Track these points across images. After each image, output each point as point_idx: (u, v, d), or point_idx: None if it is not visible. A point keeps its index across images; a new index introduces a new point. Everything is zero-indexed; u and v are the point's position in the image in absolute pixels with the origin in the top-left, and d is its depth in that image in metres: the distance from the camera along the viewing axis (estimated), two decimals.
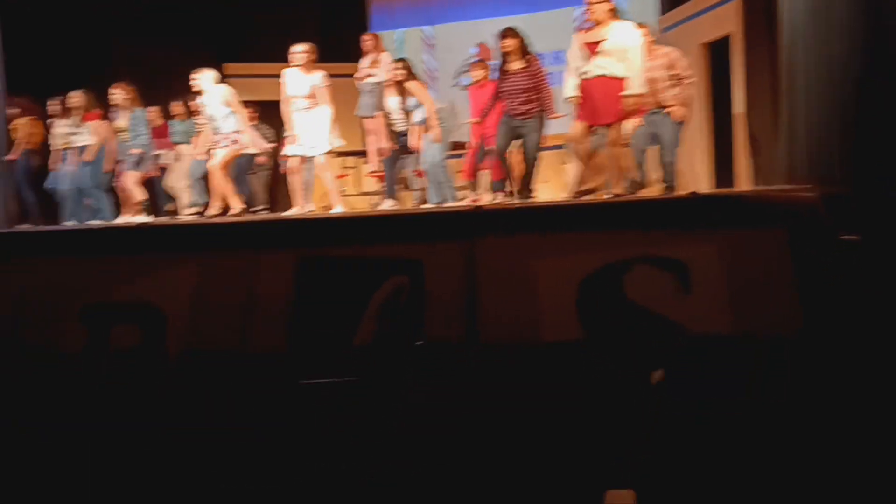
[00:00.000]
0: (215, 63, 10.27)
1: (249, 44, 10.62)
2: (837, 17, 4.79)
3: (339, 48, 10.21)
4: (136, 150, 7.15)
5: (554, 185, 8.53)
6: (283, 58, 6.74)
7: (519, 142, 6.15)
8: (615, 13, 5.54)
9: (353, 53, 8.00)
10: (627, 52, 5.39)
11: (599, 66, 5.45)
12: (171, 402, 3.67)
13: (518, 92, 5.89)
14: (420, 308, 4.12)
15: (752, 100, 7.51)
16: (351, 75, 7.86)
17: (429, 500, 3.20)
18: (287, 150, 6.66)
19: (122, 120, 7.16)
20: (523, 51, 5.91)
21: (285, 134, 6.69)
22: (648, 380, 3.14)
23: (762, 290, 3.88)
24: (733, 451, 3.01)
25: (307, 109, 6.50)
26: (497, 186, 6.56)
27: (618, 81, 5.42)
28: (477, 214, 4.86)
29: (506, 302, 4.15)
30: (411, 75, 6.74)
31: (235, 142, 6.73)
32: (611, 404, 3.39)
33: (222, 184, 6.83)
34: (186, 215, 7.63)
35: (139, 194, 7.36)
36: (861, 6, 4.57)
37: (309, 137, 6.50)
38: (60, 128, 7.47)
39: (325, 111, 6.49)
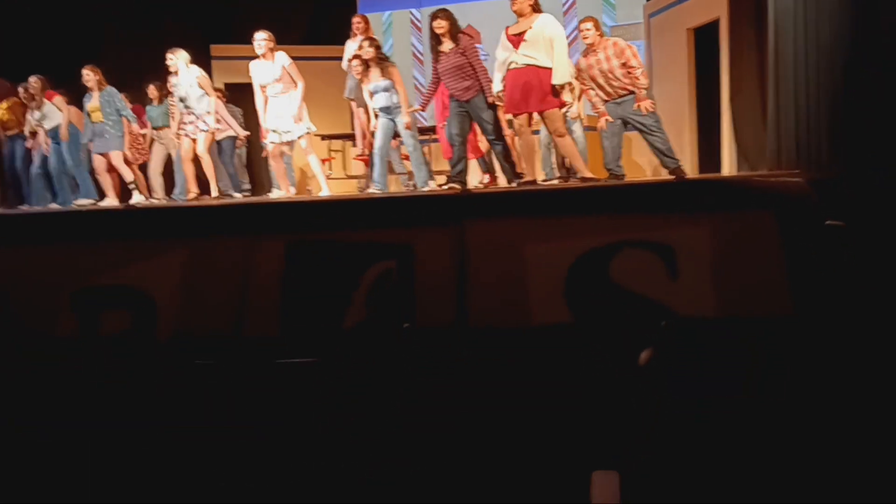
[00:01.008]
0: (203, 43, 10.23)
1: (238, 25, 10.52)
2: (826, 3, 4.82)
3: (329, 30, 10.17)
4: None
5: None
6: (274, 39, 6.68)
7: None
8: (538, 6, 5.76)
9: (342, 36, 7.95)
10: (553, 42, 5.62)
11: (525, 56, 5.64)
12: (161, 386, 3.66)
13: (452, 70, 5.91)
14: (410, 292, 4.14)
15: (739, 85, 7.52)
16: (340, 58, 7.83)
17: (420, 490, 3.22)
18: (266, 138, 6.66)
19: (94, 100, 7.07)
20: (453, 32, 5.95)
21: (262, 124, 6.69)
22: (636, 361, 3.17)
23: (750, 272, 3.92)
24: (724, 438, 3.04)
25: (281, 94, 6.51)
26: (481, 164, 6.59)
27: (545, 71, 5.63)
28: (466, 198, 4.88)
29: (495, 286, 4.17)
30: (382, 56, 6.65)
31: (219, 122, 6.82)
32: (599, 387, 3.42)
33: (209, 168, 6.86)
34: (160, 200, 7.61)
35: (128, 174, 7.33)
36: None
37: (284, 123, 6.51)
38: (31, 113, 7.44)
39: (297, 93, 6.49)
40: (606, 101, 6.03)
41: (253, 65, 6.58)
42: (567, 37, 10.09)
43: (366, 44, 6.63)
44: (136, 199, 7.26)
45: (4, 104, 7.81)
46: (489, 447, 3.43)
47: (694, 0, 8.38)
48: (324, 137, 8.60)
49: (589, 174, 6.02)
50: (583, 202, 4.47)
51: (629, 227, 4.12)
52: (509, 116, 6.46)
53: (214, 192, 7.04)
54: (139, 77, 8.11)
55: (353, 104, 7.70)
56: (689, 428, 2.98)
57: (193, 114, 6.76)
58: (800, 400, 3.07)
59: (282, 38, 6.74)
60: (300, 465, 3.26)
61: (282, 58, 6.48)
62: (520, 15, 5.72)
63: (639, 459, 2.98)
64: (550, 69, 5.63)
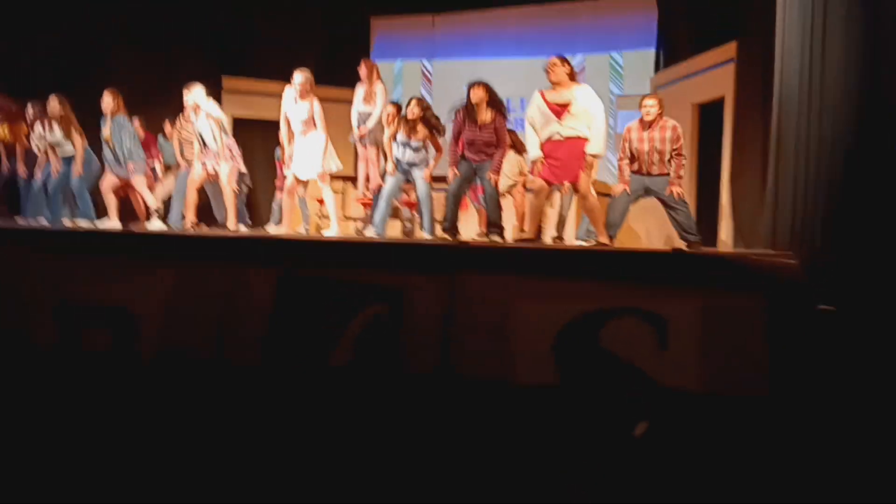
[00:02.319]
0: (215, 75, 10.36)
1: (251, 59, 10.67)
2: (830, 94, 4.91)
3: (339, 72, 10.30)
4: (132, 163, 7.13)
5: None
6: (284, 76, 6.80)
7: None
8: (574, 75, 5.86)
9: (352, 78, 8.06)
10: (594, 118, 5.70)
11: (570, 129, 5.71)
12: (139, 403, 3.62)
13: (481, 145, 6.20)
14: (397, 337, 4.12)
15: (740, 163, 7.64)
16: (348, 100, 7.92)
17: None
18: (286, 170, 6.78)
19: (106, 127, 7.09)
20: (490, 103, 6.16)
21: (279, 156, 6.78)
22: (630, 431, 3.15)
23: (734, 351, 3.92)
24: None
25: (303, 133, 6.64)
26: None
27: (582, 140, 5.71)
28: (461, 250, 4.88)
29: (483, 339, 4.15)
30: (430, 117, 6.70)
31: (233, 156, 6.96)
32: (583, 452, 3.39)
33: (230, 200, 7.04)
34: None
35: (152, 199, 7.39)
36: (854, 85, 4.69)
37: (305, 160, 6.62)
38: (39, 131, 7.38)
39: (321, 136, 6.63)
40: (635, 173, 6.13)
41: (288, 99, 6.71)
42: None
43: (413, 102, 6.68)
44: (157, 225, 7.25)
45: (6, 125, 7.83)
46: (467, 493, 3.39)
47: (701, 77, 8.55)
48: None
49: (605, 239, 6.02)
50: (577, 265, 4.47)
51: (622, 294, 4.12)
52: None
53: (232, 225, 7.08)
54: (149, 102, 8.18)
55: (359, 147, 7.79)
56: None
57: (210, 148, 6.92)
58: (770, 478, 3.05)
59: (291, 77, 6.82)
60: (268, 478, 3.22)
61: (317, 105, 6.65)
62: (557, 84, 5.78)
63: None
64: (588, 139, 5.71)
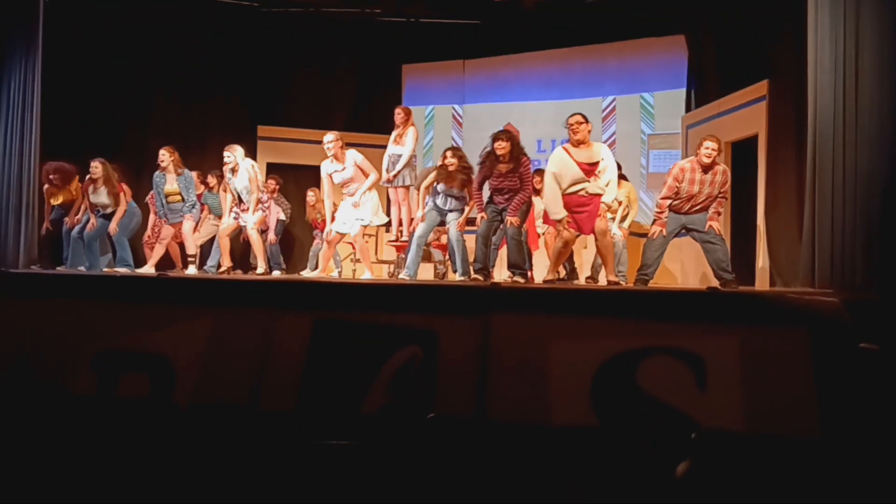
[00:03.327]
0: (249, 122, 10.60)
1: (286, 107, 10.88)
2: (866, 128, 4.86)
3: (372, 119, 10.47)
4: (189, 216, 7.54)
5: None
6: (318, 124, 6.97)
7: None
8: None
9: (384, 125, 8.19)
10: (612, 173, 6.15)
11: (598, 188, 6.07)
12: (178, 453, 3.63)
13: (505, 191, 6.42)
14: (432, 380, 4.09)
15: (775, 201, 7.56)
16: (380, 145, 8.03)
17: None
18: (332, 225, 7.09)
19: (171, 183, 7.44)
20: (514, 154, 6.33)
21: (311, 199, 7.09)
22: (672, 472, 3.07)
23: (779, 389, 3.83)
24: None
25: (347, 191, 6.94)
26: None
27: (601, 195, 6.12)
28: (494, 291, 4.87)
29: (518, 381, 4.11)
30: (465, 169, 6.80)
31: (262, 208, 7.43)
32: (622, 494, 3.32)
33: (258, 247, 7.42)
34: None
35: (192, 246, 7.65)
36: (890, 118, 4.64)
37: (351, 216, 6.91)
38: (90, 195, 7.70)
39: (373, 192, 6.96)
40: (672, 210, 6.12)
41: (325, 165, 6.99)
42: (605, 141, 10.35)
43: (449, 153, 6.80)
44: (192, 271, 7.47)
45: (73, 187, 8.13)
46: None
47: (733, 115, 8.52)
48: None
49: (614, 277, 6.12)
50: (612, 305, 4.43)
51: (658, 332, 4.06)
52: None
53: (261, 269, 7.43)
54: (188, 153, 8.42)
55: (391, 191, 7.86)
56: None
57: (245, 202, 7.32)
58: None
59: (324, 124, 7.01)
60: None
61: (353, 155, 6.88)
62: (582, 143, 6.06)
63: None
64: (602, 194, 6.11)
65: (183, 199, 7.45)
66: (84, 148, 8.18)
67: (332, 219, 7.07)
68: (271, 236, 8.41)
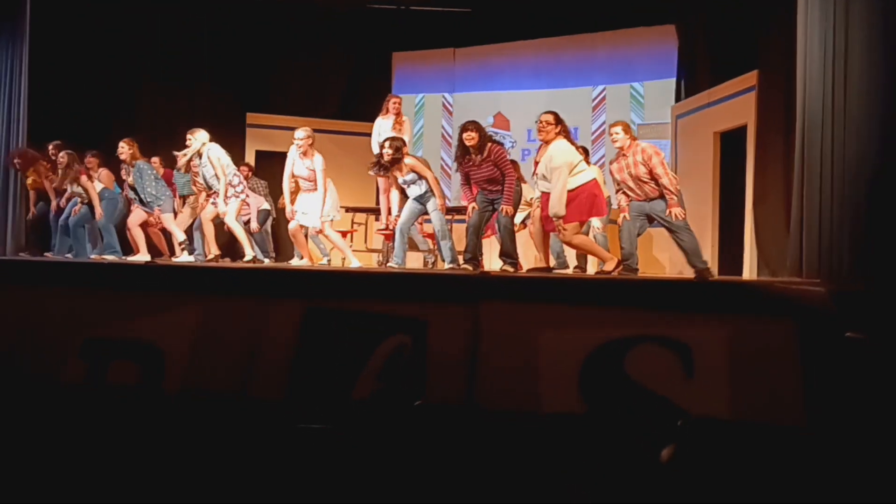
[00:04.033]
0: (238, 110, 10.53)
1: (274, 95, 10.83)
2: (855, 119, 4.88)
3: (361, 106, 10.42)
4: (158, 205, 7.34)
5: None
6: (307, 111, 6.91)
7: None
8: None
9: (373, 113, 8.15)
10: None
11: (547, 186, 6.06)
12: (166, 440, 3.62)
13: (483, 181, 6.39)
14: (422, 368, 4.10)
15: (763, 191, 7.58)
16: (368, 133, 8.00)
17: None
18: (292, 218, 7.08)
19: (129, 175, 7.32)
20: (482, 145, 6.27)
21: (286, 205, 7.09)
22: (657, 457, 3.10)
23: (765, 378, 3.86)
24: None
25: (310, 190, 6.95)
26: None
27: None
28: (483, 280, 4.88)
29: (507, 369, 4.12)
30: (401, 156, 6.70)
31: (238, 193, 7.09)
32: (609, 481, 3.34)
33: (240, 235, 7.17)
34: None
35: (180, 234, 7.54)
36: (879, 108, 4.66)
37: (308, 208, 6.97)
38: (67, 185, 7.63)
39: (320, 193, 6.92)
40: (633, 200, 6.09)
41: (292, 155, 6.97)
42: (593, 132, 10.34)
43: (386, 143, 6.69)
44: (185, 258, 7.35)
45: (31, 176, 8.03)
46: None
47: (722, 105, 8.54)
48: (348, 210, 8.72)
49: (610, 266, 6.09)
50: (601, 293, 4.45)
51: (646, 321, 4.09)
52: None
53: (248, 256, 7.22)
54: (173, 139, 8.33)
55: (380, 180, 7.83)
56: None
57: (214, 187, 7.06)
58: None
59: (314, 112, 6.95)
60: None
61: (317, 161, 6.87)
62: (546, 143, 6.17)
63: None
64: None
65: (139, 192, 7.29)
66: (71, 135, 8.09)
67: (292, 201, 7.06)
68: (254, 225, 8.32)
